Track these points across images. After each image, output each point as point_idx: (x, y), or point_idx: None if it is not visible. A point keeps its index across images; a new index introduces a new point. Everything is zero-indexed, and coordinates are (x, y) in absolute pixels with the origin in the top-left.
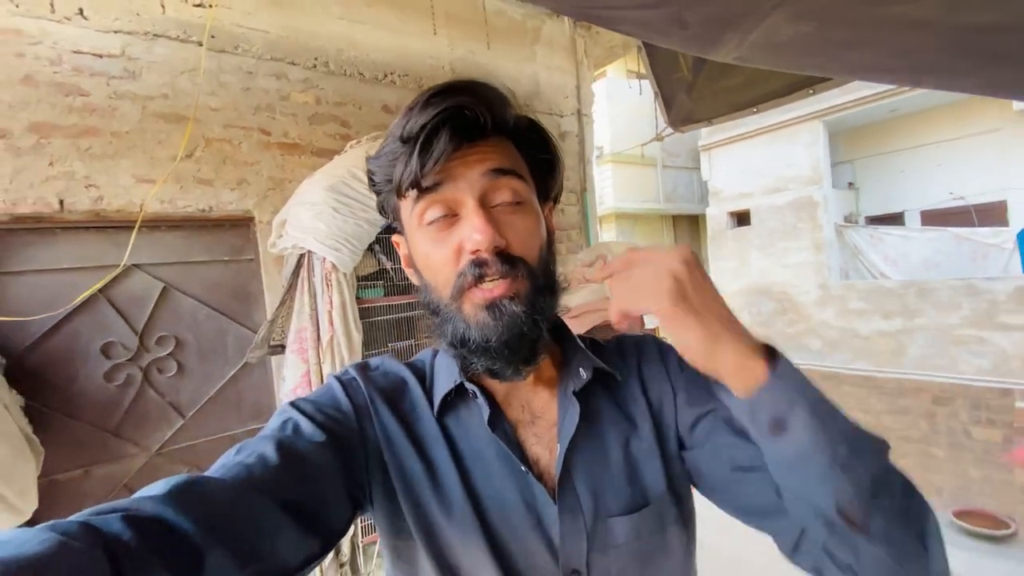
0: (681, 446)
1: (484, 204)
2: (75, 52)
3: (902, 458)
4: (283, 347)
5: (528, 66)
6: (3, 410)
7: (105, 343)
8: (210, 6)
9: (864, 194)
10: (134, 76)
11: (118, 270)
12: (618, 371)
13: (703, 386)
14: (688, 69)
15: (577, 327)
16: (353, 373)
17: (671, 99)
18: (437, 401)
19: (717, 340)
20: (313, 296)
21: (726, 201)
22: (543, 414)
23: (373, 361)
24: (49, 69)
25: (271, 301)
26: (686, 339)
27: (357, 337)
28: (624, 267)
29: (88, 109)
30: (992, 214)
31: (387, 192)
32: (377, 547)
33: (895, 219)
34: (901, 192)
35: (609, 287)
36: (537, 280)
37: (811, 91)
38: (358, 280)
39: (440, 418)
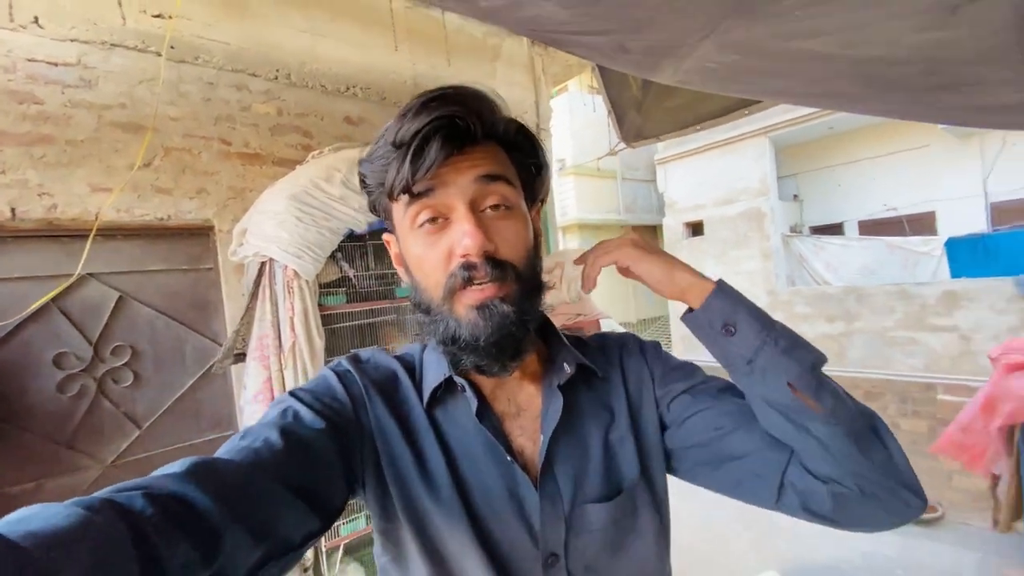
0: (663, 427)
1: (474, 209)
2: (29, 60)
3: None
4: (244, 355)
5: (488, 82)
6: None
7: (58, 354)
8: (169, 17)
9: (807, 205)
10: (90, 85)
11: (72, 279)
12: (600, 366)
13: (679, 367)
14: (638, 88)
15: None
16: (347, 365)
17: (623, 116)
18: (427, 394)
19: (674, 269)
20: (275, 303)
21: (681, 212)
22: (528, 407)
23: (363, 353)
24: (2, 77)
25: (231, 310)
26: (651, 271)
27: (319, 343)
28: (598, 247)
29: (42, 117)
30: (922, 224)
31: (379, 194)
32: (340, 553)
33: (835, 229)
34: (840, 204)
35: (587, 261)
36: (524, 282)
37: (746, 111)
38: (320, 287)
39: (429, 410)
